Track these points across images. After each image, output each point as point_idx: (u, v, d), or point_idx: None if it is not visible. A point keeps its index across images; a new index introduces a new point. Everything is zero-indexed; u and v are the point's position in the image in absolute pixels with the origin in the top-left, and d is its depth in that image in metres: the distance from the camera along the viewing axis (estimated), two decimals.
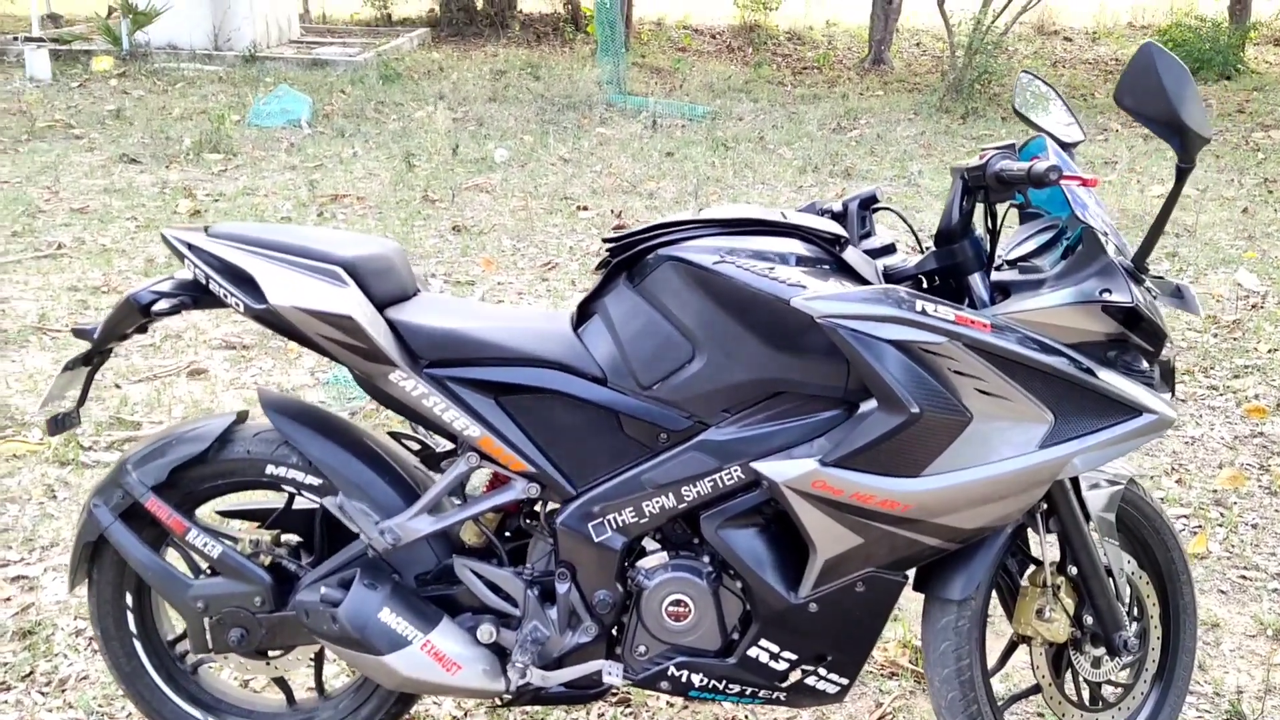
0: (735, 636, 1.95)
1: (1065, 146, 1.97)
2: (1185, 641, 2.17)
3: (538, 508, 2.02)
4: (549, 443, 1.92)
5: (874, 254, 2.00)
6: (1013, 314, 1.78)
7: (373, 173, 7.29)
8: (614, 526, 1.90)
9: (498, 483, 2.01)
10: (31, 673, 2.41)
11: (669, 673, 1.95)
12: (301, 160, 7.58)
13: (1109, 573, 1.98)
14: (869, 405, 1.77)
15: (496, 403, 1.91)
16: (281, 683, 2.16)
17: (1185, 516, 3.21)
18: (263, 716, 2.15)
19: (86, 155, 7.48)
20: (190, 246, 1.90)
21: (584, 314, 1.97)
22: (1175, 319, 4.74)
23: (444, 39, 14.14)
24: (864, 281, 1.85)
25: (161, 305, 1.88)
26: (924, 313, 1.73)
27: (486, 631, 1.95)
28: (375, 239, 1.99)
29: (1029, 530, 2.02)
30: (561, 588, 1.93)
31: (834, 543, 1.82)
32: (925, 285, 1.95)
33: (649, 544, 1.98)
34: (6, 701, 2.31)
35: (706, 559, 1.93)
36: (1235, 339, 4.64)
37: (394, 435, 2.11)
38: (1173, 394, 1.90)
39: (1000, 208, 1.93)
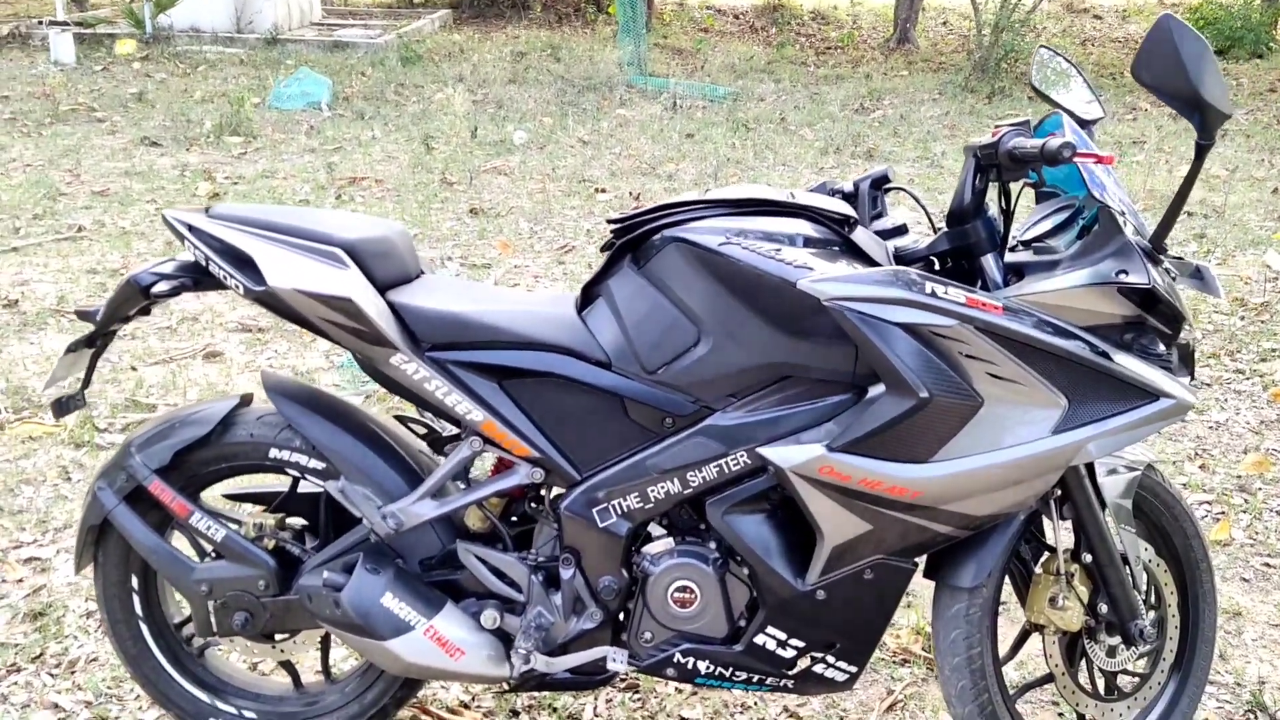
0: (742, 623, 1.92)
1: (1084, 124, 1.91)
2: (1205, 631, 2.12)
3: (542, 493, 2.00)
4: (553, 427, 1.89)
5: (885, 235, 1.95)
6: (1026, 296, 1.73)
7: (391, 155, 7.27)
8: (619, 512, 1.88)
9: (502, 467, 1.99)
10: (41, 654, 2.41)
11: (675, 660, 1.93)
12: (321, 143, 7.58)
13: (1125, 560, 1.94)
14: (877, 390, 1.73)
15: (500, 387, 1.89)
16: (288, 666, 2.15)
17: (1208, 502, 3.15)
18: (269, 700, 2.14)
19: (108, 138, 7.50)
20: (190, 228, 1.88)
21: (588, 297, 1.94)
22: (1201, 301, 4.65)
23: (465, 20, 14.09)
24: (873, 263, 1.81)
25: (161, 287, 1.86)
26: (934, 295, 1.69)
27: (490, 617, 1.93)
28: (378, 220, 1.96)
29: (1043, 517, 1.97)
30: (566, 573, 1.91)
31: (842, 529, 1.79)
32: (937, 267, 1.91)
33: (654, 530, 1.95)
34: (16, 683, 2.32)
35: (713, 545, 1.91)
36: (1263, 322, 4.55)
37: (399, 419, 2.09)
38: (1192, 378, 1.85)
39: (1014, 187, 1.88)
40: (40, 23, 11.43)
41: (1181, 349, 1.82)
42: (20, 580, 2.67)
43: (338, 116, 8.42)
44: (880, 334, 1.67)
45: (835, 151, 7.62)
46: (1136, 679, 2.06)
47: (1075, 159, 1.63)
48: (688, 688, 2.34)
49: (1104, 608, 1.95)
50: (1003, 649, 2.03)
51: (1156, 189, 6.56)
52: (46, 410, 3.56)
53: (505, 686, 1.98)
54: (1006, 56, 10.31)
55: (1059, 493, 1.90)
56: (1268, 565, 2.84)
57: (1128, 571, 1.94)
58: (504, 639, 1.95)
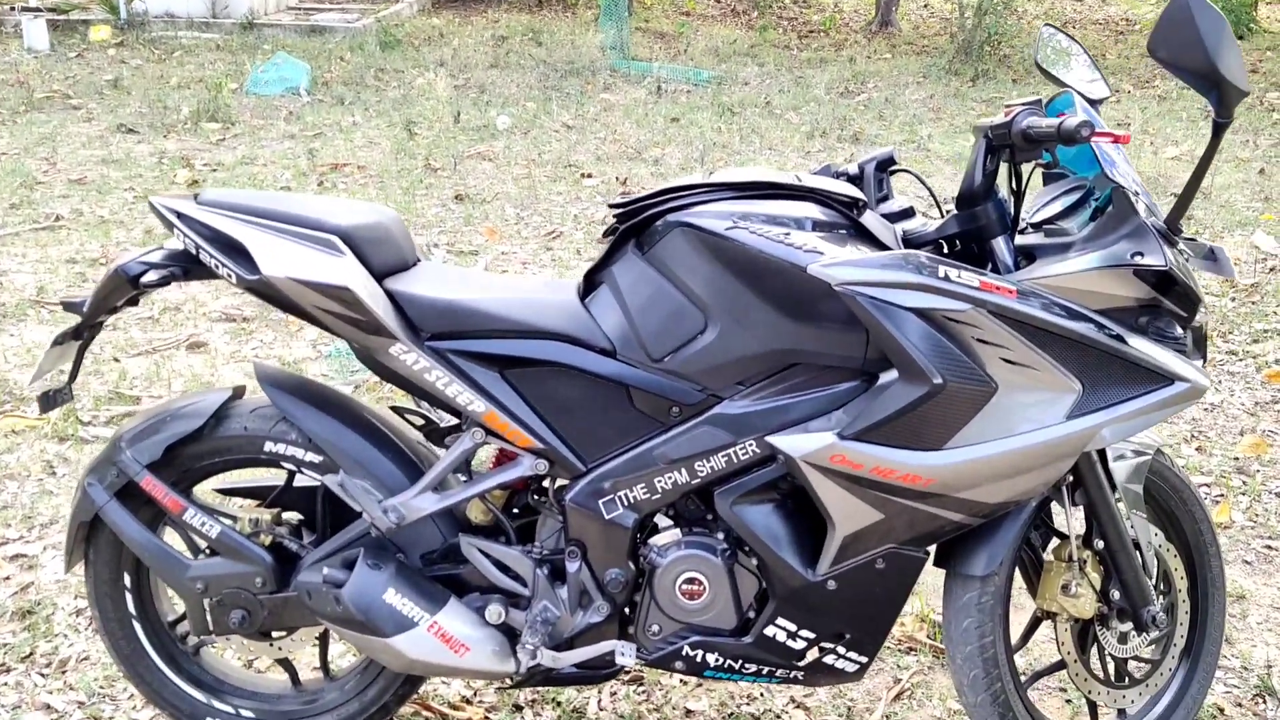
0: (751, 615, 1.89)
1: (1091, 103, 1.88)
2: (1214, 616, 2.11)
3: (546, 484, 1.96)
4: (557, 417, 1.85)
5: (892, 218, 1.92)
6: (1039, 279, 1.70)
7: (373, 141, 7.19)
8: (625, 503, 1.84)
9: (504, 459, 1.95)
10: (31, 654, 2.36)
11: (683, 652, 1.89)
12: (301, 129, 7.48)
13: (1136, 546, 1.92)
14: (889, 376, 1.70)
15: (501, 376, 1.84)
16: (285, 664, 2.11)
17: (1206, 485, 3.14)
18: (267, 698, 2.10)
19: (84, 126, 7.39)
20: (179, 215, 1.83)
21: (591, 284, 1.89)
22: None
23: (444, 4, 13.94)
24: (883, 247, 1.77)
25: (150, 277, 1.80)
26: (947, 279, 1.65)
27: (495, 612, 1.89)
28: (372, 206, 1.91)
29: (1052, 503, 1.95)
30: (572, 566, 1.87)
31: (853, 518, 1.76)
32: (946, 250, 1.87)
33: (661, 521, 1.91)
34: (6, 684, 2.27)
35: (720, 536, 1.87)
36: (1254, 303, 4.55)
37: (396, 410, 2.05)
38: (1204, 361, 1.82)
39: (1025, 168, 1.84)
40: (13, 9, 11.25)
41: (1195, 332, 1.80)
42: (7, 578, 2.61)
43: (317, 102, 8.32)
44: (892, 319, 1.64)
45: (821, 135, 7.59)
46: (1148, 665, 2.04)
47: (1093, 138, 1.59)
48: (692, 680, 2.31)
49: (1116, 594, 1.93)
50: (1012, 638, 2.01)
51: (1143, 170, 6.55)
52: (28, 403, 3.49)
53: (509, 682, 1.94)
54: (989, 39, 10.29)
55: (1070, 479, 1.88)
56: (1269, 548, 2.83)
57: (1139, 557, 1.92)
58: (509, 634, 1.91)
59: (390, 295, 1.83)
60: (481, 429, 1.86)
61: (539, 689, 2.27)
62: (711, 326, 1.77)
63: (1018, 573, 1.98)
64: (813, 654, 1.88)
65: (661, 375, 1.80)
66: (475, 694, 2.28)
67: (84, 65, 9.47)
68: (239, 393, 2.00)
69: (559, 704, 2.25)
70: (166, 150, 6.81)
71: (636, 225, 1.84)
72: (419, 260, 1.95)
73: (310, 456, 1.92)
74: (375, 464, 1.90)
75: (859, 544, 1.78)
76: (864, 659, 1.90)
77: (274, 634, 2.02)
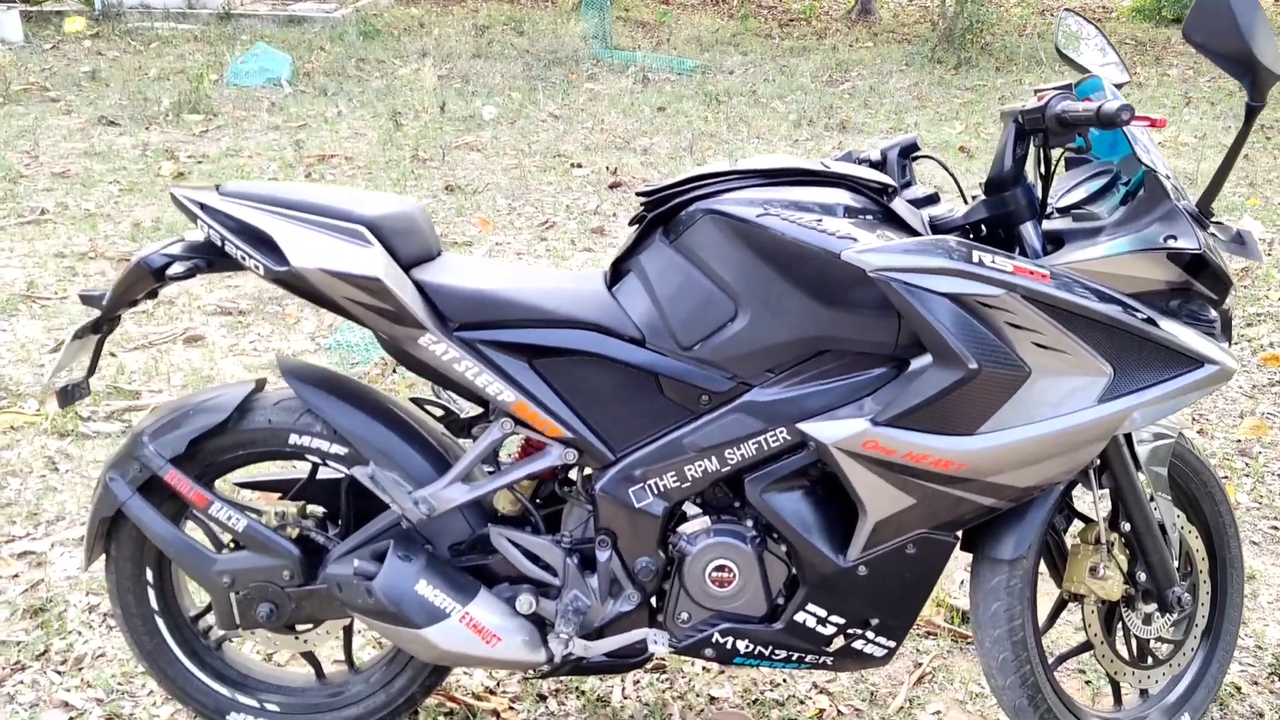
0: (780, 601, 1.90)
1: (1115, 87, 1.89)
2: (1232, 596, 2.13)
3: (572, 474, 1.96)
4: (586, 407, 1.84)
5: (916, 204, 1.92)
6: (1072, 264, 1.71)
7: (359, 132, 7.13)
8: (655, 491, 1.84)
9: (529, 449, 1.94)
10: (46, 651, 2.33)
11: (713, 640, 1.90)
12: (284, 120, 7.42)
13: (1161, 528, 1.93)
14: (922, 362, 1.70)
15: (530, 366, 1.83)
16: (310, 657, 2.10)
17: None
18: (291, 691, 2.09)
19: (64, 118, 7.29)
20: (203, 207, 1.80)
21: (618, 272, 1.88)
22: None
23: None
24: (913, 232, 1.77)
25: (176, 269, 1.78)
26: (980, 264, 1.65)
27: (526, 602, 1.88)
28: (396, 197, 1.89)
29: (1074, 487, 1.96)
30: (602, 555, 1.87)
31: (885, 504, 1.76)
32: (972, 236, 1.87)
33: (689, 509, 1.91)
34: (22, 682, 2.24)
35: (749, 523, 1.87)
36: (1245, 287, 4.60)
37: (415, 401, 2.03)
38: (1230, 342, 1.84)
39: (1054, 153, 1.84)
40: None
41: (1223, 314, 1.81)
42: (16, 576, 2.58)
43: (299, 93, 8.25)
44: (926, 304, 1.64)
45: (809, 124, 7.59)
46: (1171, 645, 2.06)
47: (1133, 121, 1.60)
48: (715, 667, 2.32)
49: (1142, 575, 1.94)
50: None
51: None
52: (25, 399, 3.44)
53: (539, 672, 1.93)
54: (972, 27, 10.32)
55: (1097, 462, 1.89)
56: (1275, 528, 2.86)
57: (1165, 539, 1.94)
58: (538, 624, 1.91)
59: (418, 285, 1.81)
60: (510, 419, 1.85)
61: (562, 679, 2.27)
62: (741, 314, 1.77)
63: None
64: (842, 639, 1.89)
65: (691, 363, 1.80)
66: (498, 684, 2.27)
67: (60, 57, 9.34)
68: (260, 385, 1.98)
69: (582, 693, 2.25)
70: (149, 143, 6.73)
71: (664, 213, 1.83)
72: (442, 251, 1.94)
73: (336, 449, 1.91)
74: (401, 455, 1.89)
75: (890, 529, 1.79)
76: (892, 644, 1.91)
77: (298, 627, 2.01)
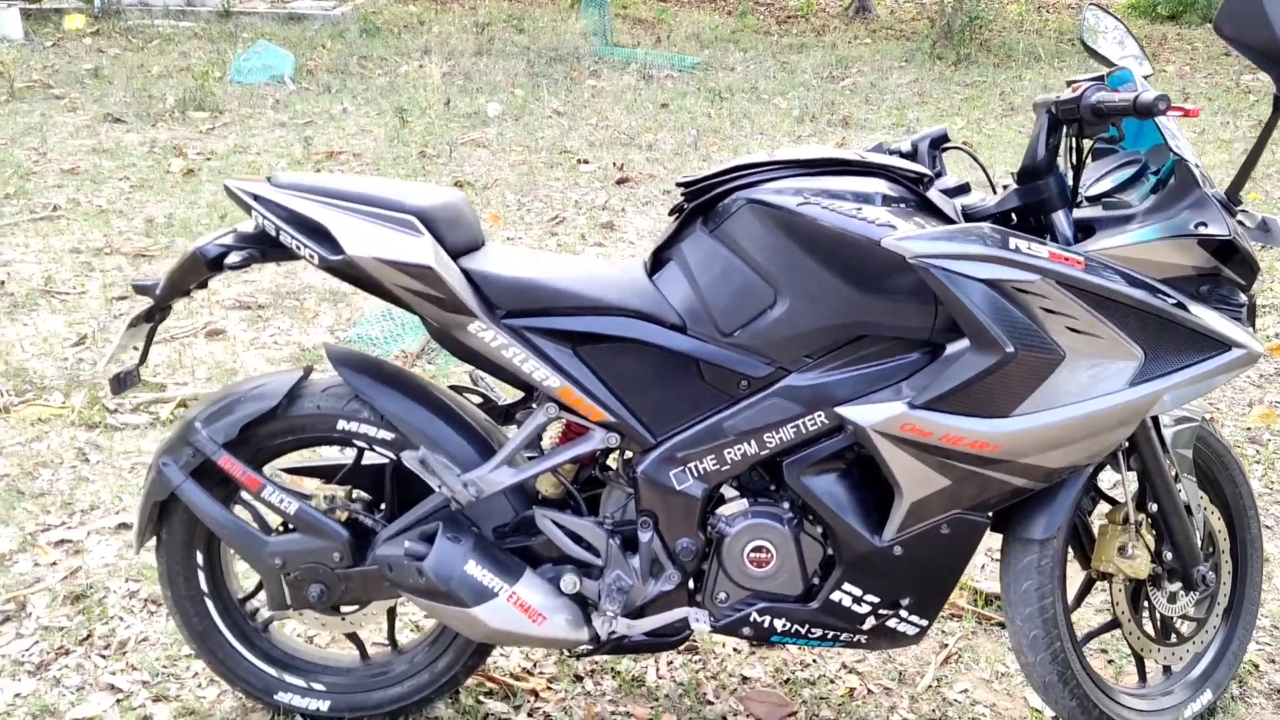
0: (816, 581, 1.95)
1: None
2: (1252, 575, 2.19)
3: (611, 458, 2.00)
4: (628, 392, 1.89)
5: (949, 194, 1.97)
6: (1105, 250, 1.76)
7: (365, 129, 7.17)
8: (695, 474, 1.89)
9: (570, 433, 1.99)
10: (89, 636, 2.37)
11: (751, 619, 1.95)
12: (290, 117, 7.44)
13: (1187, 509, 1.99)
14: (958, 346, 1.75)
15: (574, 352, 1.88)
16: (354, 638, 2.14)
17: None
18: (337, 671, 2.13)
19: (70, 115, 7.31)
20: (256, 198, 1.85)
21: (658, 261, 1.93)
22: None
23: None
24: (949, 220, 1.83)
25: (233, 259, 1.83)
26: (1017, 250, 1.71)
27: (570, 582, 1.93)
28: (442, 188, 1.94)
29: (1101, 469, 2.01)
30: (644, 536, 1.92)
31: (921, 485, 1.81)
32: (1004, 224, 1.92)
33: (728, 491, 1.96)
34: (67, 666, 2.28)
35: (787, 505, 1.92)
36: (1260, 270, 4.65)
37: (454, 389, 2.08)
38: (1254, 327, 1.89)
39: (1086, 143, 1.90)
40: None
41: (1248, 300, 1.87)
42: (54, 563, 2.62)
43: (303, 90, 8.27)
44: (964, 290, 1.69)
45: (811, 120, 7.65)
46: (1194, 623, 2.12)
47: (1170, 111, 1.65)
48: (746, 648, 2.37)
49: (1168, 555, 2.00)
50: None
51: None
52: (50, 392, 3.48)
53: (580, 652, 1.98)
54: (970, 24, 10.38)
55: (1126, 444, 1.94)
56: None
57: (1190, 519, 1.99)
58: (581, 603, 1.96)
59: (465, 274, 1.86)
60: (555, 404, 1.90)
61: (596, 659, 2.32)
62: (781, 301, 1.82)
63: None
64: (876, 618, 1.94)
65: (731, 349, 1.85)
66: (535, 665, 2.32)
67: (61, 54, 9.35)
68: (308, 373, 2.02)
69: (618, 673, 2.30)
70: (157, 139, 6.76)
71: (704, 203, 1.88)
72: (485, 241, 1.98)
73: (382, 434, 1.96)
74: (447, 440, 1.94)
75: (925, 510, 1.84)
76: (925, 622, 1.96)
77: (344, 608, 2.05)
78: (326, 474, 2.09)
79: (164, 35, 10.34)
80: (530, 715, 2.18)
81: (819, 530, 1.93)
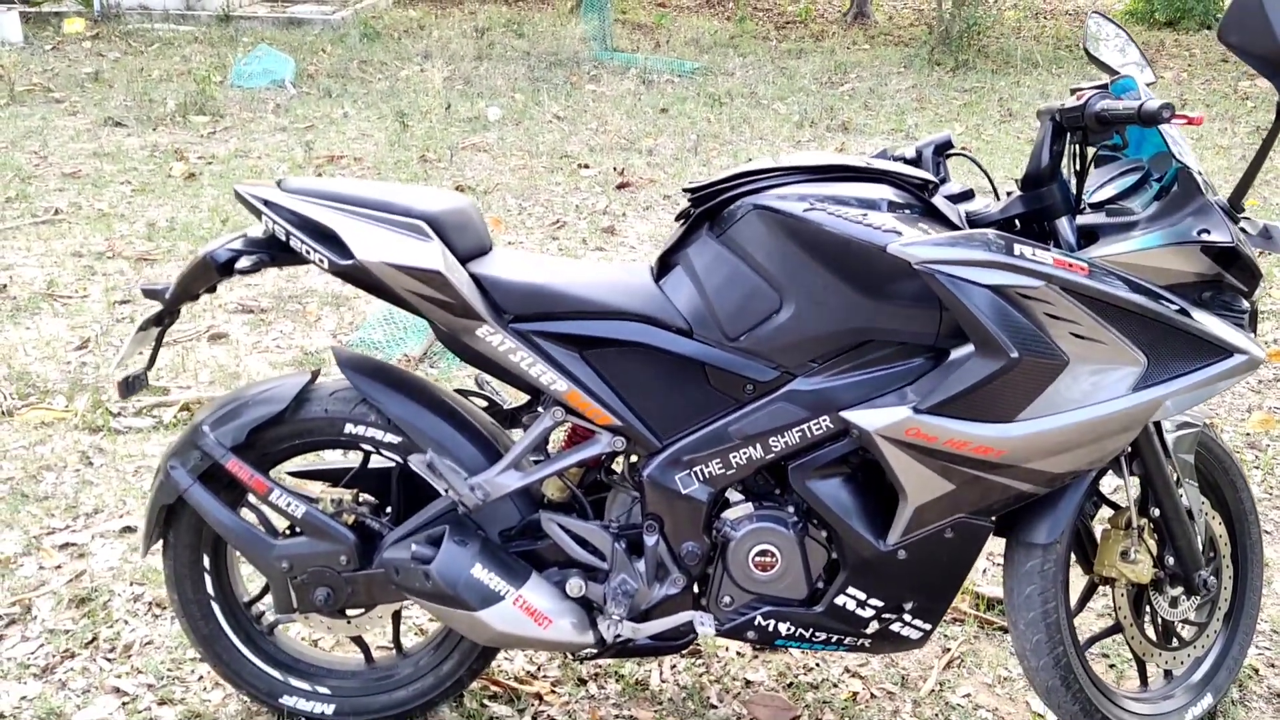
0: (821, 585, 1.96)
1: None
2: (1253, 580, 2.21)
3: (616, 462, 2.01)
4: (634, 396, 1.90)
5: (953, 200, 1.98)
6: (1109, 256, 1.78)
7: (366, 133, 7.18)
8: (701, 478, 1.90)
9: (576, 437, 2.00)
10: (94, 639, 2.38)
11: (755, 622, 1.96)
12: (291, 121, 7.45)
13: (1189, 513, 2.00)
14: (963, 351, 1.76)
15: (581, 357, 1.89)
16: (359, 641, 2.15)
17: None
18: (342, 674, 2.14)
19: (70, 119, 7.31)
20: (266, 203, 1.86)
21: (665, 266, 1.95)
22: None
23: None
24: (953, 227, 1.84)
25: (244, 263, 1.84)
26: (1022, 256, 1.72)
27: (576, 585, 1.94)
28: (451, 193, 1.95)
29: (1103, 474, 2.03)
30: (650, 540, 1.93)
31: (925, 490, 1.82)
32: (1008, 230, 1.94)
33: (733, 495, 1.97)
34: (72, 669, 2.29)
35: (791, 509, 1.93)
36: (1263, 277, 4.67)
37: (460, 393, 2.09)
38: (1255, 333, 1.91)
39: (1089, 150, 1.91)
40: None
41: (1250, 306, 1.88)
42: (59, 566, 2.63)
43: (304, 94, 8.28)
44: (969, 296, 1.70)
45: (810, 125, 7.66)
46: (1195, 628, 2.13)
47: (1174, 119, 1.67)
48: (749, 651, 2.38)
49: (1170, 559, 2.01)
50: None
51: None
52: (54, 395, 3.49)
53: (585, 655, 1.99)
54: (969, 30, 10.41)
55: (1129, 449, 1.96)
56: None
57: (1192, 524, 2.01)
58: (586, 607, 1.97)
59: (474, 279, 1.87)
60: (561, 407, 1.91)
61: (599, 663, 2.32)
62: (787, 305, 1.83)
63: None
64: (880, 622, 1.95)
65: (737, 354, 1.86)
66: (539, 669, 2.33)
67: (61, 58, 9.36)
68: (315, 376, 2.03)
69: (621, 677, 2.31)
70: (158, 143, 6.76)
71: (710, 209, 1.89)
72: (493, 245, 2.00)
73: (390, 438, 1.97)
74: (454, 444, 1.95)
75: (929, 514, 1.85)
76: (928, 626, 1.97)
77: (350, 612, 2.06)
78: (333, 477, 2.10)
79: (164, 39, 10.35)
80: (534, 719, 2.18)
81: (823, 534, 1.94)
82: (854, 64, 10.12)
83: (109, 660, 2.32)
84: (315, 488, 2.11)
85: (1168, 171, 1.84)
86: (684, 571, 1.95)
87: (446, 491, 1.91)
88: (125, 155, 6.47)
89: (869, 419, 1.79)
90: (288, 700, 2.10)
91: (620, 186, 6.10)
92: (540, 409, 1.97)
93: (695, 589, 1.99)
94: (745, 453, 1.88)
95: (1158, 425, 1.97)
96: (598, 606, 1.97)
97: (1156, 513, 1.99)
